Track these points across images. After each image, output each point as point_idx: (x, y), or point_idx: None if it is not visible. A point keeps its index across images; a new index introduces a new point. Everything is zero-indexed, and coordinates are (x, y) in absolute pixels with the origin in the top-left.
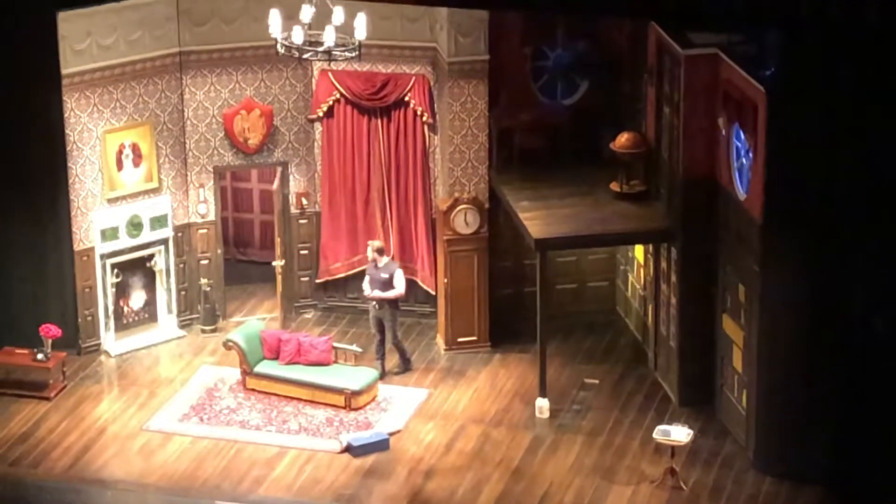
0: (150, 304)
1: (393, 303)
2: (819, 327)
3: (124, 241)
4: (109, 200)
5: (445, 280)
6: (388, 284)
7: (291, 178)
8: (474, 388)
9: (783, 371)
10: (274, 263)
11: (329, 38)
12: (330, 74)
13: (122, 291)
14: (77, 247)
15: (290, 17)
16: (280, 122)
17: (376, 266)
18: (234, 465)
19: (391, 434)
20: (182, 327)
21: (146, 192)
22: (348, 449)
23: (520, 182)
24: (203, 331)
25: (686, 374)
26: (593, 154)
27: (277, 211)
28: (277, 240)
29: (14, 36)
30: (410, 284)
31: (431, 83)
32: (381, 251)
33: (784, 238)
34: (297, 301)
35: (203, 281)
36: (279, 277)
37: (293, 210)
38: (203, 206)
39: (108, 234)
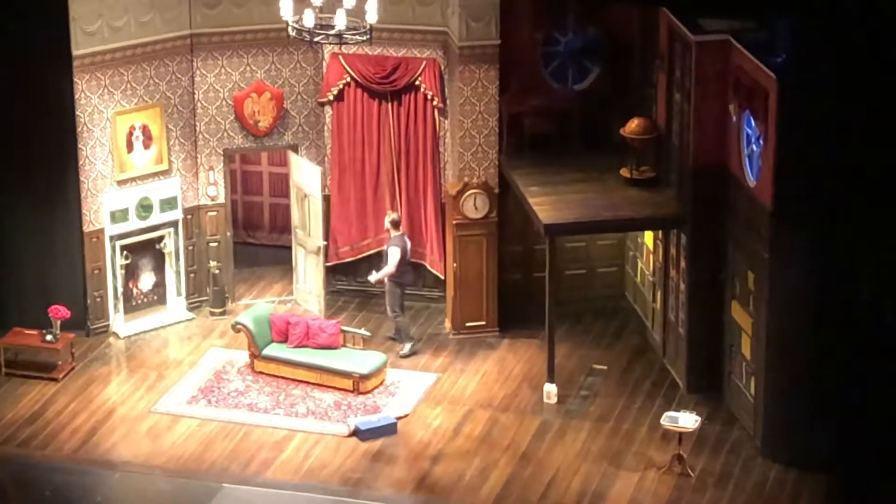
0: (159, 286)
1: (391, 278)
2: (827, 315)
3: (134, 223)
4: (119, 182)
5: (454, 264)
6: (386, 258)
7: None
8: (482, 373)
9: (791, 358)
10: (319, 244)
11: (340, 21)
12: (341, 58)
13: (131, 273)
14: (87, 228)
15: (302, 0)
16: (290, 105)
17: (390, 238)
18: (241, 448)
19: (399, 418)
20: (191, 309)
21: (156, 174)
22: (356, 433)
23: (530, 167)
24: (212, 313)
25: (694, 361)
26: (603, 140)
27: (312, 193)
28: (320, 222)
29: (25, 17)
30: (419, 268)
31: (442, 67)
32: (394, 223)
33: (793, 225)
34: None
35: (212, 263)
36: (321, 259)
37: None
38: (213, 188)
39: (118, 215)
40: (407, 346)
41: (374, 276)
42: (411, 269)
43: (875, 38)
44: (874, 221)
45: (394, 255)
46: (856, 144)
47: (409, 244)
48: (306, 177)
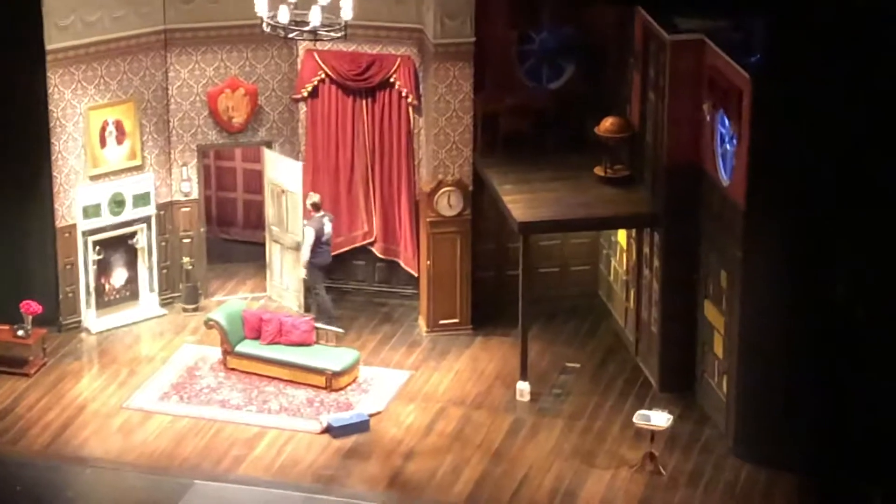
0: (132, 281)
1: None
2: (800, 314)
3: (107, 219)
4: (92, 177)
5: (428, 262)
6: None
7: None
8: (455, 371)
9: (764, 358)
10: (298, 239)
11: (315, 17)
12: (315, 54)
13: (103, 269)
14: (59, 223)
15: None
16: (265, 101)
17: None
18: (213, 445)
19: (372, 415)
20: (163, 305)
21: (129, 169)
22: (328, 430)
23: (504, 165)
24: (184, 309)
25: (667, 360)
26: (578, 138)
27: (292, 188)
28: (300, 217)
29: None
30: (393, 266)
31: (417, 65)
32: (314, 206)
33: (767, 225)
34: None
35: (185, 259)
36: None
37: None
38: (186, 184)
39: (91, 211)
40: (322, 323)
41: (300, 270)
42: (328, 249)
43: (849, 38)
44: (847, 221)
45: (308, 236)
46: (829, 144)
47: (328, 226)
48: (285, 172)
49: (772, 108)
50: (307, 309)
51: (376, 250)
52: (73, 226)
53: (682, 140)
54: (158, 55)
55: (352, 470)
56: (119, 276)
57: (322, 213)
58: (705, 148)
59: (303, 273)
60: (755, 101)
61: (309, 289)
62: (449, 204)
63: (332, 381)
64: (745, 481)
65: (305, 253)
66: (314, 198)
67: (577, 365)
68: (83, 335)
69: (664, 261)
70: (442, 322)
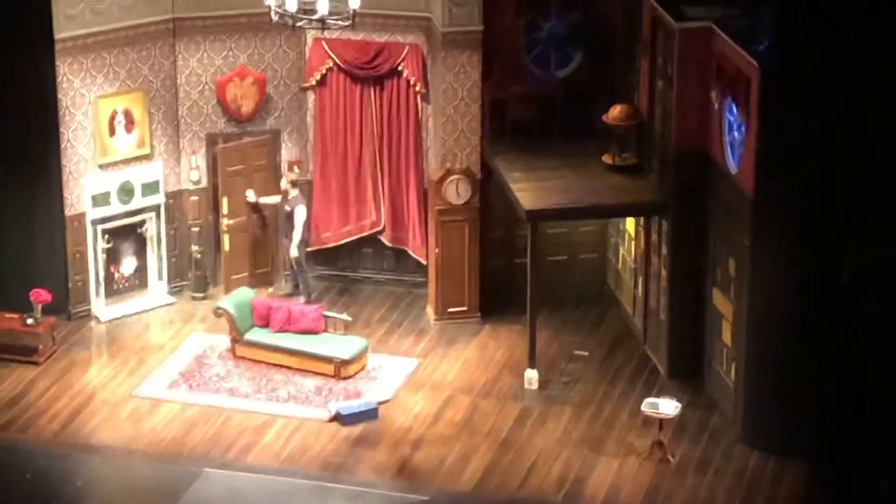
0: (141, 270)
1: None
2: (808, 302)
3: (115, 207)
4: (101, 166)
5: (436, 250)
6: (291, 218)
7: (284, 146)
8: (464, 359)
9: (772, 346)
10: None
11: (323, 6)
12: (323, 43)
13: (112, 257)
14: (68, 212)
15: None
16: (273, 89)
17: (286, 198)
18: (222, 433)
19: (380, 403)
20: (172, 294)
21: (138, 158)
22: (337, 418)
23: (512, 153)
24: (193, 298)
25: (675, 348)
26: (586, 126)
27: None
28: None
29: (7, 1)
30: (401, 254)
31: (425, 53)
32: (294, 184)
33: (775, 213)
34: (287, 269)
35: (194, 248)
36: None
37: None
38: (195, 172)
39: (100, 199)
40: (303, 299)
41: (293, 249)
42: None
43: (857, 26)
44: (855, 209)
45: (302, 214)
46: (837, 132)
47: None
48: None
49: (780, 96)
50: (295, 287)
51: (385, 239)
52: (83, 214)
53: (690, 128)
54: (167, 44)
55: (360, 458)
56: (128, 264)
57: (297, 190)
58: (713, 136)
59: (295, 252)
60: (763, 89)
61: (300, 266)
62: (457, 192)
63: (340, 369)
64: (753, 469)
65: (300, 231)
66: (291, 175)
67: (586, 353)
68: (92, 323)
69: (672, 249)
70: (450, 310)
